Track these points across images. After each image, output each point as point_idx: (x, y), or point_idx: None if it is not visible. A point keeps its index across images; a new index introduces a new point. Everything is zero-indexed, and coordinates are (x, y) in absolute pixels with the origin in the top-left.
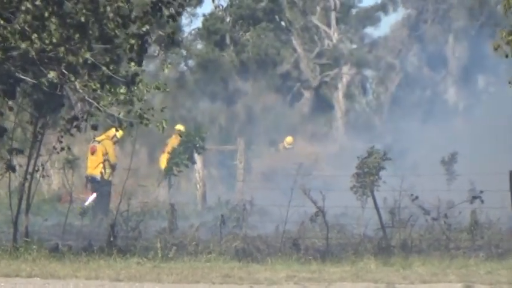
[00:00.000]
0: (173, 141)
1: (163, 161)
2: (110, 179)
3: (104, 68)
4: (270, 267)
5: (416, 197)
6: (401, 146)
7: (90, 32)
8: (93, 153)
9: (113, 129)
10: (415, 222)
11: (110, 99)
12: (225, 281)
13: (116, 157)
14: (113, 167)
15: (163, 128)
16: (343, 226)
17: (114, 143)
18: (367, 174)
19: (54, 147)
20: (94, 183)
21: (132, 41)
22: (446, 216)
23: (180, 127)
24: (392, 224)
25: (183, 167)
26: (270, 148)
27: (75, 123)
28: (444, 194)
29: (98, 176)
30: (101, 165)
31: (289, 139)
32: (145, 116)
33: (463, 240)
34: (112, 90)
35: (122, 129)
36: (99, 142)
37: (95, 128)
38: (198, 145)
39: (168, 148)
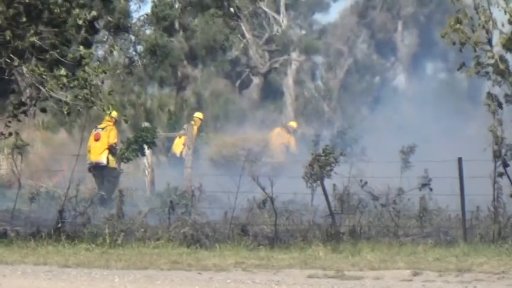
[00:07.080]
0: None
1: (177, 145)
2: (115, 166)
3: (51, 52)
4: (219, 254)
5: (366, 183)
6: (351, 132)
7: (38, 15)
8: (97, 140)
9: (114, 112)
10: (364, 208)
11: (52, 82)
12: (173, 267)
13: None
14: (113, 153)
15: (110, 112)
16: (292, 213)
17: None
18: (320, 167)
19: (1, 133)
20: (100, 169)
21: (80, 22)
22: (395, 203)
23: (199, 115)
24: (341, 211)
25: (133, 157)
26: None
27: (22, 109)
28: (395, 181)
29: (104, 161)
30: (106, 151)
31: (293, 123)
32: (92, 99)
33: (412, 227)
34: (56, 74)
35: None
36: (102, 129)
37: (43, 110)
38: (149, 140)
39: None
